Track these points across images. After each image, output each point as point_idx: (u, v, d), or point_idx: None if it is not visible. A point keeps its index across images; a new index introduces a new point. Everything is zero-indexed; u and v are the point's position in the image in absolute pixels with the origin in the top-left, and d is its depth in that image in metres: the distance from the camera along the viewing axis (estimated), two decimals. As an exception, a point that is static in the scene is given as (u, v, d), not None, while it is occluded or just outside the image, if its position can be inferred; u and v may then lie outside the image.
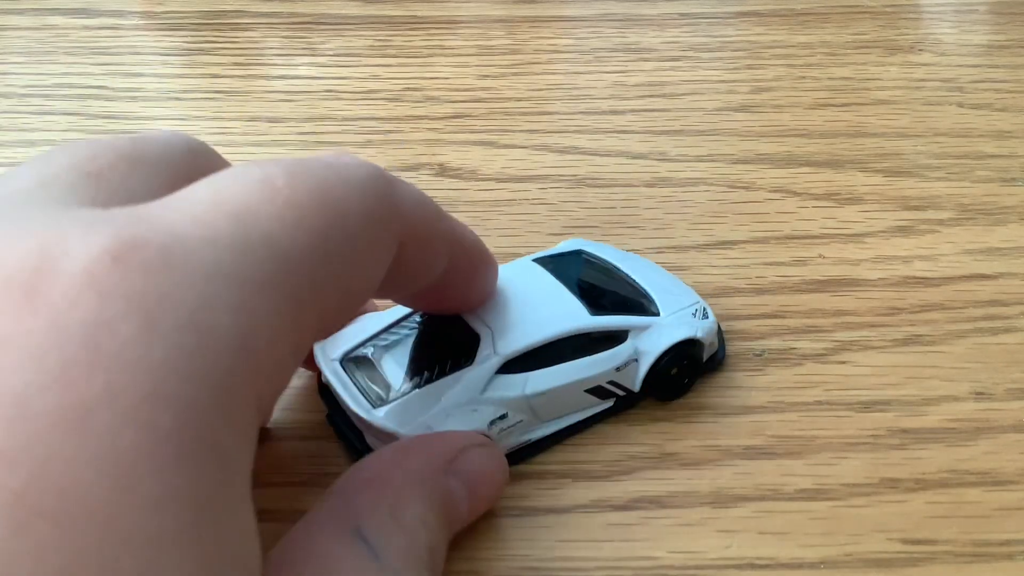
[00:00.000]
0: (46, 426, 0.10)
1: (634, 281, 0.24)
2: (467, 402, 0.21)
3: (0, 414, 0.10)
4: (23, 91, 0.37)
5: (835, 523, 0.21)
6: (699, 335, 0.23)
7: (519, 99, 0.36)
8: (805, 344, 0.25)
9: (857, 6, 0.42)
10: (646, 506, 0.21)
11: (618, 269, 0.25)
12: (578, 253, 0.25)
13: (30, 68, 0.38)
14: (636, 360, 0.23)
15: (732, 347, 0.25)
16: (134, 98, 0.36)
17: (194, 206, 0.13)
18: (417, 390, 0.21)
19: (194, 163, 0.16)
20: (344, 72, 0.38)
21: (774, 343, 0.25)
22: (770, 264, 0.28)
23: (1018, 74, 0.37)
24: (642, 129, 0.34)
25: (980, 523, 0.21)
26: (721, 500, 0.21)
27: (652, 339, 0.23)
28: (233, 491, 0.11)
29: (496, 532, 0.20)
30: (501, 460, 0.20)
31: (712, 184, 0.31)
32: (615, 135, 0.34)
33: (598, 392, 0.22)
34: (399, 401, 0.20)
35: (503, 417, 0.21)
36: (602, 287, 0.24)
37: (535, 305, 0.22)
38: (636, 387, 0.23)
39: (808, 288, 0.27)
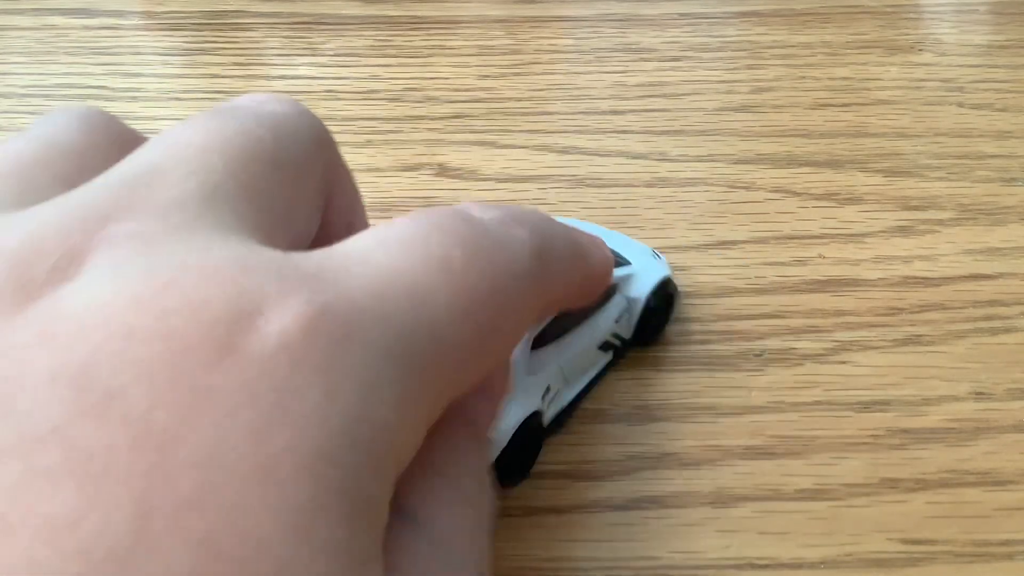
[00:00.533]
0: (234, 477, 0.10)
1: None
2: (519, 386, 0.21)
3: (193, 463, 0.10)
4: (23, 91, 0.37)
5: (835, 523, 0.21)
6: (669, 273, 0.25)
7: (519, 99, 0.36)
8: (805, 344, 0.25)
9: (857, 6, 0.42)
10: (646, 506, 0.21)
11: None
12: None
13: (30, 68, 0.38)
14: (628, 309, 0.24)
15: (732, 347, 0.25)
16: (134, 98, 0.36)
17: (375, 272, 0.13)
18: None
19: (325, 163, 0.17)
20: (344, 72, 0.38)
21: (774, 343, 0.25)
22: (770, 264, 0.28)
23: (1018, 74, 0.37)
24: (642, 129, 0.34)
25: (980, 523, 0.21)
26: (721, 500, 0.21)
27: (636, 286, 0.24)
28: (376, 545, 0.12)
29: (497, 532, 0.20)
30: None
31: (712, 184, 0.31)
32: (615, 135, 0.34)
33: (604, 347, 0.24)
34: None
35: (547, 391, 0.22)
36: None
37: None
38: (630, 335, 0.24)
39: (808, 288, 0.27)
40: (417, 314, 0.13)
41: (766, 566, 0.20)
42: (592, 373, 0.24)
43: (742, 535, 0.20)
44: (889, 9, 0.42)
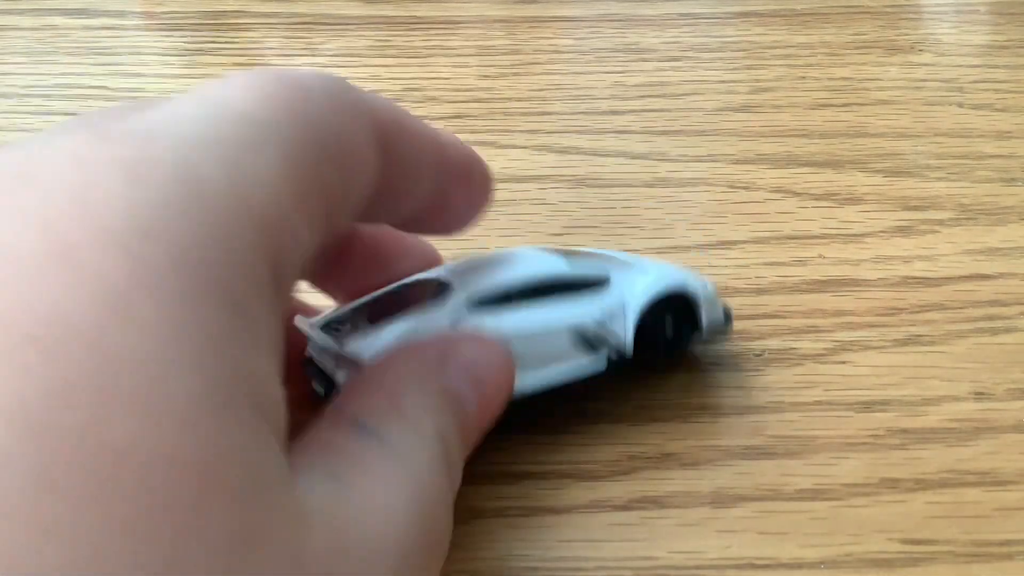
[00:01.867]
0: (31, 265, 0.10)
1: (621, 256, 0.24)
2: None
3: None
4: (23, 91, 0.37)
5: (835, 523, 0.21)
6: (689, 285, 0.22)
7: (519, 99, 0.36)
8: (805, 344, 0.25)
9: (857, 6, 0.42)
10: (646, 506, 0.21)
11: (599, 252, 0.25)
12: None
13: (30, 68, 0.38)
14: (622, 311, 0.21)
15: (732, 347, 0.25)
16: (134, 98, 0.36)
17: (166, 103, 0.13)
18: (386, 325, 0.19)
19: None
20: (344, 72, 0.38)
21: (774, 343, 0.25)
22: (770, 264, 0.28)
23: (1018, 74, 0.37)
24: (642, 129, 0.34)
25: (980, 523, 0.21)
26: (721, 500, 0.21)
27: (638, 288, 0.22)
28: (250, 339, 0.11)
29: (496, 532, 0.20)
30: (501, 350, 0.18)
31: (712, 184, 0.31)
32: (615, 135, 0.34)
33: (585, 344, 0.21)
34: (365, 335, 0.19)
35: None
36: (584, 255, 0.24)
37: (512, 261, 0.22)
38: (627, 345, 0.22)
39: (808, 288, 0.27)
40: (222, 109, 0.13)
41: (766, 566, 0.20)
42: (563, 368, 0.21)
43: (742, 535, 0.20)
44: (889, 9, 0.42)
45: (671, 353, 0.23)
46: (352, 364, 0.19)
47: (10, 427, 0.09)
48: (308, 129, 0.14)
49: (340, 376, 0.19)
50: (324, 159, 0.14)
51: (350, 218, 0.16)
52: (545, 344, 0.21)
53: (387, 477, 0.14)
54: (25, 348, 0.09)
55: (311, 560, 0.11)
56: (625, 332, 0.22)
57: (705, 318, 0.23)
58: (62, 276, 0.10)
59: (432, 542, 0.14)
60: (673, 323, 0.22)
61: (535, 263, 0.22)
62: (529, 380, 0.20)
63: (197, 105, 0.13)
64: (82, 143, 0.12)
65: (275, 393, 0.12)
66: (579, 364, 0.21)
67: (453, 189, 0.19)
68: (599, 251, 0.25)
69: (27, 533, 0.09)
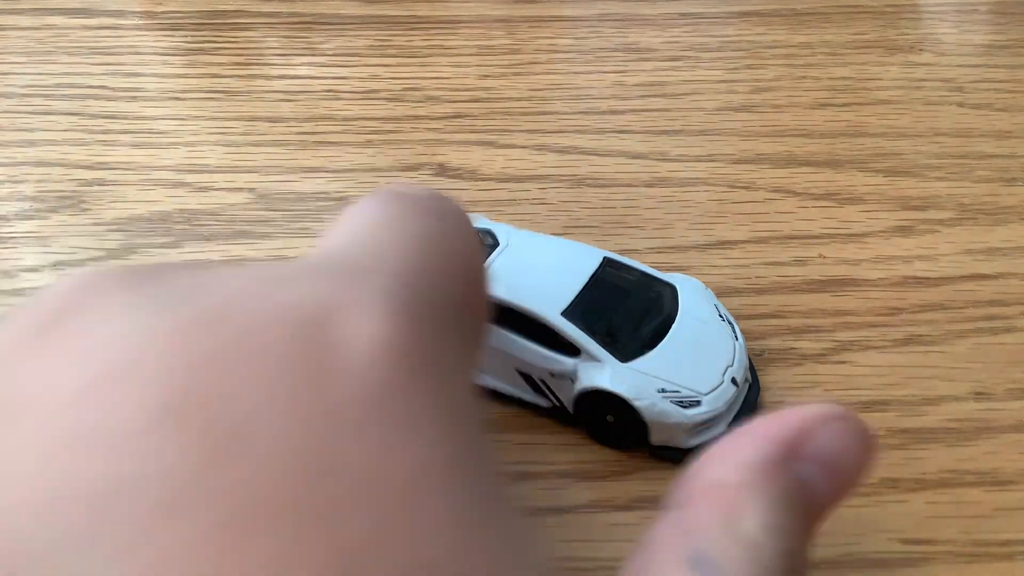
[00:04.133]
0: (396, 503, 0.10)
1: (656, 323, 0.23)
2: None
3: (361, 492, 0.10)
4: (23, 91, 0.37)
5: (835, 523, 0.21)
6: (622, 391, 0.21)
7: (519, 99, 0.36)
8: (805, 344, 0.25)
9: (857, 6, 0.42)
10: (646, 506, 0.21)
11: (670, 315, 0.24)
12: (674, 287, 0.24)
13: (30, 68, 0.38)
14: (572, 380, 0.22)
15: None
16: (134, 98, 0.36)
17: (391, 265, 0.14)
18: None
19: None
20: (344, 72, 0.38)
21: (774, 343, 0.25)
22: (770, 264, 0.28)
23: (1018, 74, 0.37)
24: (642, 129, 0.34)
25: (980, 523, 0.21)
26: (721, 500, 0.21)
27: (593, 374, 0.22)
28: (505, 497, 0.12)
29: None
30: (862, 430, 0.16)
31: (712, 184, 0.31)
32: (615, 135, 0.34)
33: (532, 383, 0.23)
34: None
35: None
36: (613, 310, 0.23)
37: (541, 277, 0.23)
38: (570, 405, 0.22)
39: (808, 288, 0.27)
40: (446, 285, 0.14)
41: (766, 566, 0.20)
42: (511, 391, 0.23)
43: (742, 535, 0.20)
44: (889, 9, 0.42)
45: (617, 443, 0.23)
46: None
47: None
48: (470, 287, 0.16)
49: None
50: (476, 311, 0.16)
51: None
52: (498, 364, 0.23)
53: None
54: None
55: None
56: (569, 398, 0.23)
57: (653, 436, 0.22)
58: (411, 515, 0.10)
59: None
60: (613, 418, 0.22)
61: (546, 297, 0.23)
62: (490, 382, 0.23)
63: (392, 262, 0.14)
64: (381, 322, 0.12)
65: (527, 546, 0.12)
66: (523, 394, 0.23)
67: None
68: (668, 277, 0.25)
69: None
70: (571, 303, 0.22)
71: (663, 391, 0.22)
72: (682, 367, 0.22)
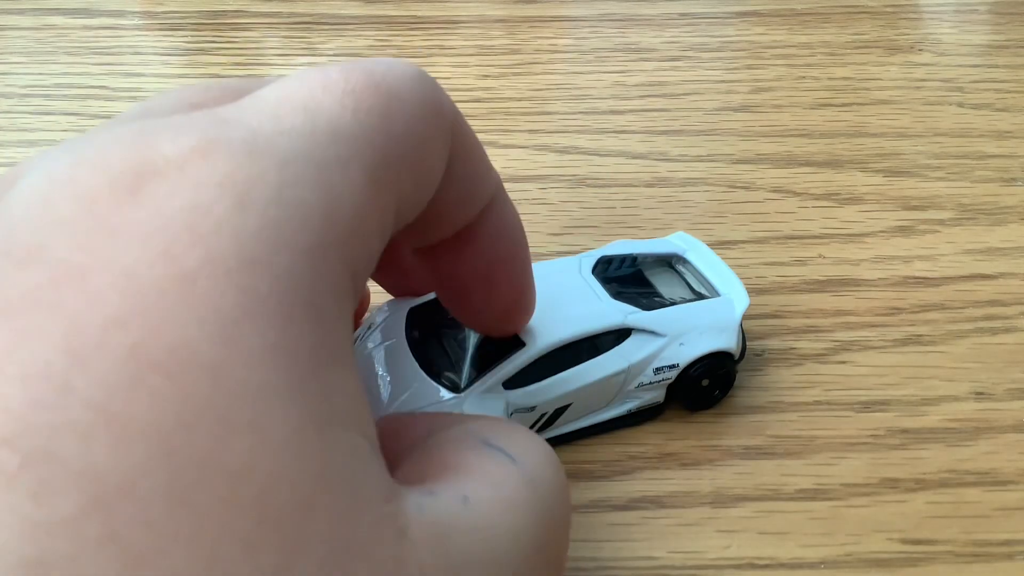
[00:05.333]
0: (153, 293, 0.11)
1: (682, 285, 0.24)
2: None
3: (112, 284, 0.11)
4: (23, 91, 0.37)
5: (835, 523, 0.21)
6: (730, 347, 0.22)
7: (519, 99, 0.36)
8: (805, 344, 0.25)
9: (857, 6, 0.42)
10: (646, 506, 0.21)
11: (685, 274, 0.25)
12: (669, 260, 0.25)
13: (30, 68, 0.38)
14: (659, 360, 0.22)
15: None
16: (134, 98, 0.36)
17: (265, 104, 0.14)
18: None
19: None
20: (344, 72, 0.38)
21: (774, 343, 0.25)
22: (770, 264, 0.28)
23: (1018, 74, 0.37)
24: (642, 129, 0.34)
25: (980, 523, 0.21)
26: (721, 500, 0.21)
27: (696, 340, 0.22)
28: (333, 349, 0.12)
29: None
30: None
31: (712, 184, 0.31)
32: (615, 135, 0.34)
33: (600, 395, 0.22)
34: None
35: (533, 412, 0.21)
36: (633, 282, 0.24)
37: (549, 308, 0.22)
38: (661, 391, 0.23)
39: (808, 288, 0.27)
40: (314, 119, 0.14)
41: (766, 566, 0.20)
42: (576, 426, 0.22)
43: (742, 535, 0.20)
44: (889, 9, 0.42)
45: (706, 405, 0.23)
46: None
47: (147, 447, 0.10)
48: (394, 141, 0.14)
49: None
50: (404, 169, 0.15)
51: (409, 220, 0.16)
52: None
53: (516, 498, 0.14)
54: (154, 375, 0.10)
55: (416, 574, 0.12)
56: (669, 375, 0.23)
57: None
58: (182, 306, 0.11)
59: (553, 566, 0.14)
60: (710, 380, 0.23)
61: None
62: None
63: (292, 112, 0.14)
64: (188, 151, 0.12)
65: (363, 405, 0.13)
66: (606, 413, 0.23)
67: (500, 257, 0.19)
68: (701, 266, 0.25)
69: (160, 538, 0.10)
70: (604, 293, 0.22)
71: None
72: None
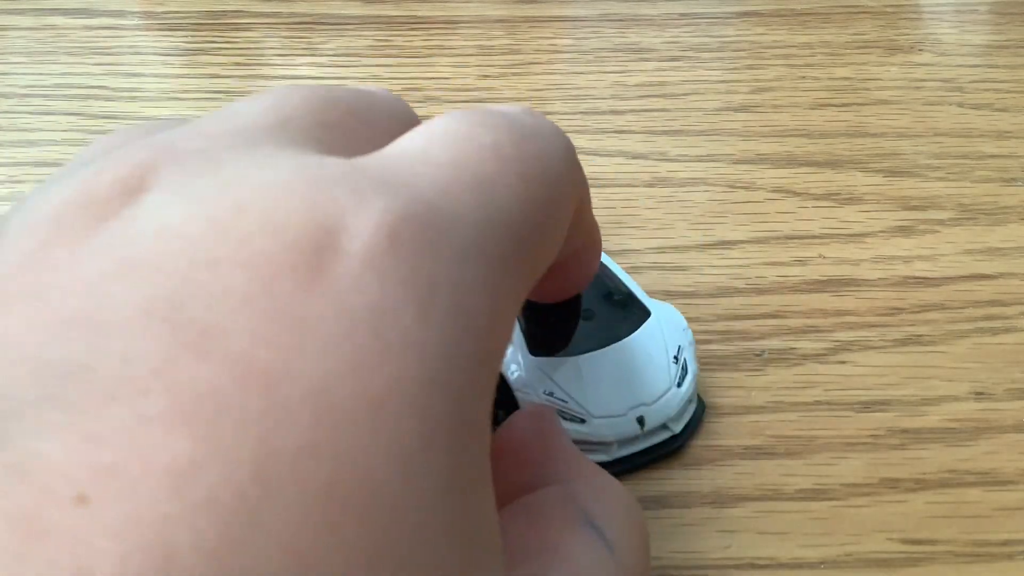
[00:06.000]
0: (345, 418, 0.10)
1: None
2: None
3: (302, 401, 0.10)
4: (23, 91, 0.37)
5: (835, 523, 0.21)
6: (509, 376, 0.22)
7: (519, 99, 0.36)
8: (805, 344, 0.25)
9: (857, 6, 0.42)
10: (646, 506, 0.21)
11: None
12: None
13: (30, 68, 0.38)
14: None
15: (732, 347, 0.25)
16: (134, 98, 0.36)
17: (437, 171, 0.12)
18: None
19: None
20: (344, 72, 0.38)
21: (774, 343, 0.25)
22: (770, 264, 0.28)
23: (1018, 74, 0.37)
24: (642, 129, 0.34)
25: (980, 523, 0.21)
26: (721, 500, 0.21)
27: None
28: (484, 468, 0.12)
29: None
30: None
31: (712, 184, 0.31)
32: (615, 135, 0.34)
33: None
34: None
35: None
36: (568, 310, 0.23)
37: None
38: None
39: (808, 288, 0.27)
40: (487, 204, 0.12)
41: (766, 566, 0.20)
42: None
43: (742, 535, 0.20)
44: (889, 9, 0.42)
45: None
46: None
47: None
48: (548, 235, 0.14)
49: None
50: (548, 256, 0.14)
51: None
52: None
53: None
54: (347, 517, 0.10)
55: None
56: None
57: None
58: (371, 436, 0.10)
59: None
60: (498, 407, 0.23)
61: None
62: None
63: (463, 188, 0.12)
64: (375, 238, 0.11)
65: (497, 526, 0.12)
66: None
67: (587, 255, 0.19)
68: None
69: None
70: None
71: (551, 394, 0.21)
72: (588, 384, 0.21)
